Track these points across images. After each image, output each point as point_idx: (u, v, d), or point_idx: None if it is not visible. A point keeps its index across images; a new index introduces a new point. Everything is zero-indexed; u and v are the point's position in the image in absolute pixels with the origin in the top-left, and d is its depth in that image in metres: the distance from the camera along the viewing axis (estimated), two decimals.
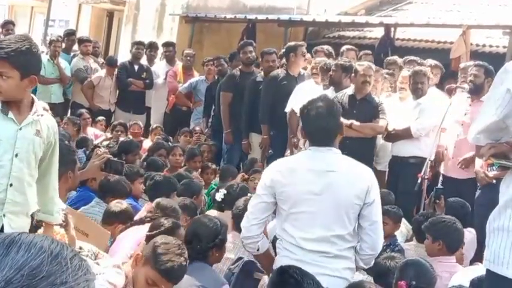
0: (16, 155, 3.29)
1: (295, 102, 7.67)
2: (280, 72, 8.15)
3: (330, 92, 7.26)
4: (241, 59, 8.80)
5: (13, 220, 3.34)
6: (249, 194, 4.73)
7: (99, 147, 6.12)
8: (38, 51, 3.31)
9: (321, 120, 3.49)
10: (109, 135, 9.05)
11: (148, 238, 3.90)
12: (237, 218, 4.35)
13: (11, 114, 3.26)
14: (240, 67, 8.84)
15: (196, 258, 3.74)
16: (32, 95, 3.41)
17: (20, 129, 3.29)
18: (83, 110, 9.61)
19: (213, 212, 5.10)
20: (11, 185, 3.29)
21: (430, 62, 7.82)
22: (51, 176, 3.50)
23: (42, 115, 3.37)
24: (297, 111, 7.64)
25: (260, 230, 3.63)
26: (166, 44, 11.03)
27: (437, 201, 6.06)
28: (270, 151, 8.03)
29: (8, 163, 3.27)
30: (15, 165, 3.29)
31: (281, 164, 3.65)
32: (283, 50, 8.63)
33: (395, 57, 8.72)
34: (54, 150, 3.47)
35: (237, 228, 4.31)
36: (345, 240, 3.51)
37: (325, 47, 8.78)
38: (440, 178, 6.86)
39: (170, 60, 10.67)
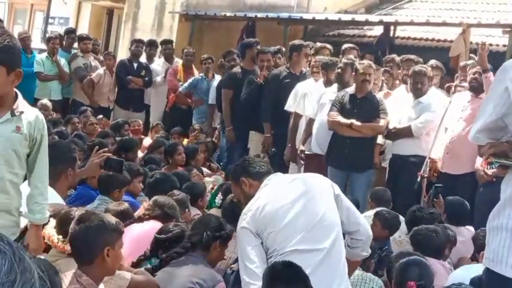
0: None
1: (296, 103, 7.66)
2: (282, 70, 8.12)
3: (333, 90, 7.26)
4: (251, 54, 8.60)
5: None
6: None
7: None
8: (17, 43, 3.21)
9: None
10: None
11: (157, 240, 3.97)
12: (225, 216, 4.36)
13: None
14: (242, 64, 8.78)
15: (198, 248, 3.77)
16: (16, 90, 3.31)
17: None
18: (86, 108, 9.59)
19: (213, 211, 5.11)
20: None
21: (432, 62, 7.80)
22: (34, 173, 3.41)
23: (22, 112, 3.28)
24: (300, 112, 7.67)
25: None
26: (165, 42, 11.02)
27: (435, 199, 6.05)
28: (273, 149, 8.00)
29: None
30: None
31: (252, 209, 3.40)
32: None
33: (394, 55, 8.72)
34: (40, 148, 3.38)
35: None
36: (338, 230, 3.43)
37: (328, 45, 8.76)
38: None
39: (169, 58, 10.65)
